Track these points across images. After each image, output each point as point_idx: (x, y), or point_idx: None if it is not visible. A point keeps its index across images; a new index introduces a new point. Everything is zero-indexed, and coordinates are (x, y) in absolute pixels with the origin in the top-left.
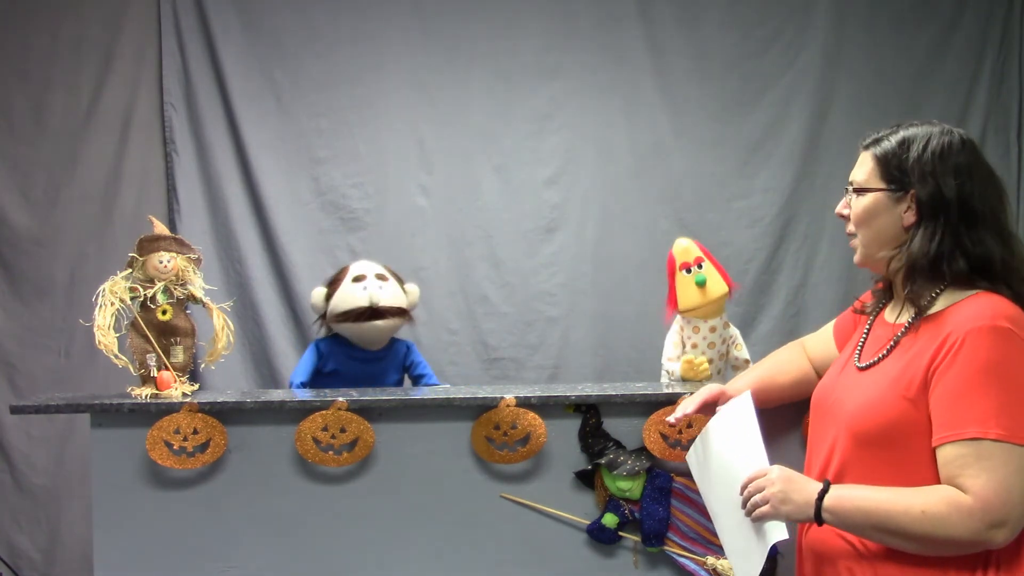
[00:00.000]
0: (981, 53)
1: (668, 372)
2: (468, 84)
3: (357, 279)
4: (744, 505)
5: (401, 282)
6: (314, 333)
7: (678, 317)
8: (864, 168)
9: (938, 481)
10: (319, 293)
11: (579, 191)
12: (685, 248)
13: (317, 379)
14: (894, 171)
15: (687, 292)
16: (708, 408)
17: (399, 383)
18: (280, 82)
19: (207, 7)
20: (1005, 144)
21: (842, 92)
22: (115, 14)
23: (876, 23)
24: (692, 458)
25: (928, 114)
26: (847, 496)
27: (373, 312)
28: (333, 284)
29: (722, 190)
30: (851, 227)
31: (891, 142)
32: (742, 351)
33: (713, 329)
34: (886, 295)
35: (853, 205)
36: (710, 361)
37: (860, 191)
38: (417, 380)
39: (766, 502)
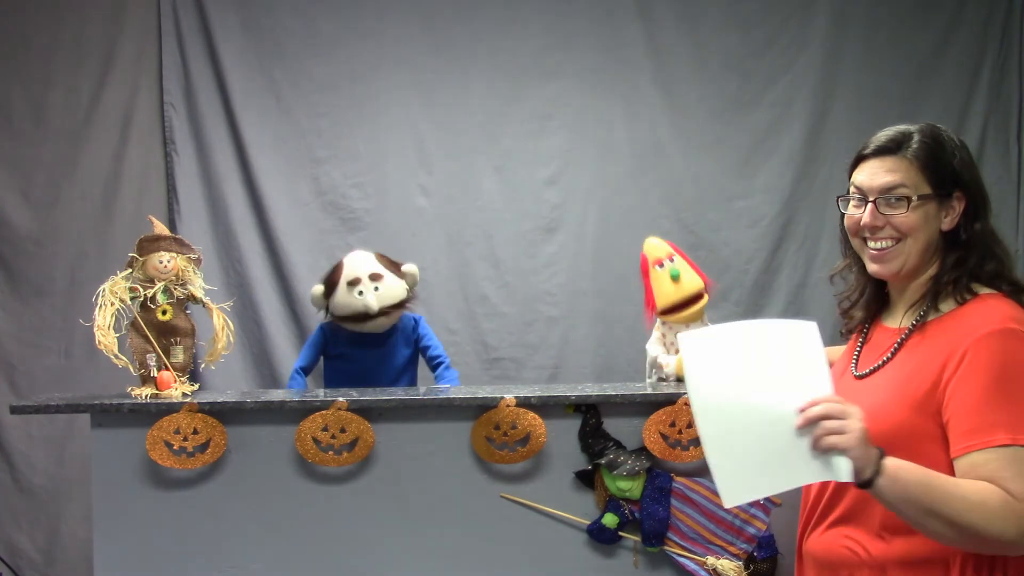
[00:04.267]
0: (981, 53)
1: (659, 366)
2: (468, 84)
3: (352, 283)
4: (809, 422)
5: (397, 267)
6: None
7: (658, 323)
8: (903, 175)
9: None
10: (318, 290)
11: (579, 191)
12: (655, 245)
13: (326, 361)
14: (941, 174)
15: (663, 288)
16: None
17: (411, 358)
18: (280, 82)
19: (207, 7)
20: (1005, 144)
21: (842, 92)
22: (115, 14)
23: (876, 23)
24: (694, 343)
25: (928, 114)
26: (909, 467)
27: (370, 315)
28: (330, 282)
29: (722, 190)
30: (892, 235)
31: (923, 143)
32: None
33: None
34: (876, 305)
35: (898, 215)
36: None
37: (908, 200)
38: (424, 352)
39: (844, 431)
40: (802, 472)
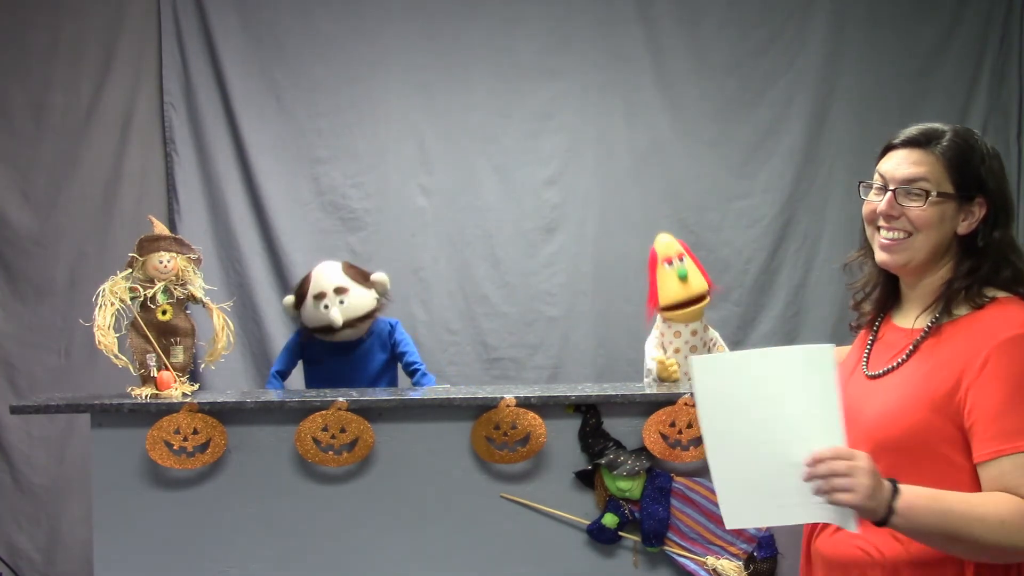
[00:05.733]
0: (981, 53)
1: (649, 371)
2: (468, 84)
3: (317, 298)
4: (814, 479)
5: (366, 277)
6: None
7: (658, 321)
8: (927, 168)
9: (965, 489)
10: (289, 301)
11: (579, 191)
12: (667, 243)
13: (304, 365)
14: (966, 176)
15: (669, 286)
16: None
17: (388, 363)
18: (280, 82)
19: (207, 7)
20: (1005, 144)
21: (842, 92)
22: (115, 14)
23: (876, 23)
24: (705, 366)
25: (928, 114)
26: (923, 501)
27: (336, 329)
28: (299, 294)
29: (722, 190)
30: (905, 227)
31: (953, 143)
32: (725, 352)
33: (694, 333)
34: (887, 302)
35: (914, 208)
36: None
37: (926, 194)
38: (401, 358)
39: (851, 490)
40: (806, 512)
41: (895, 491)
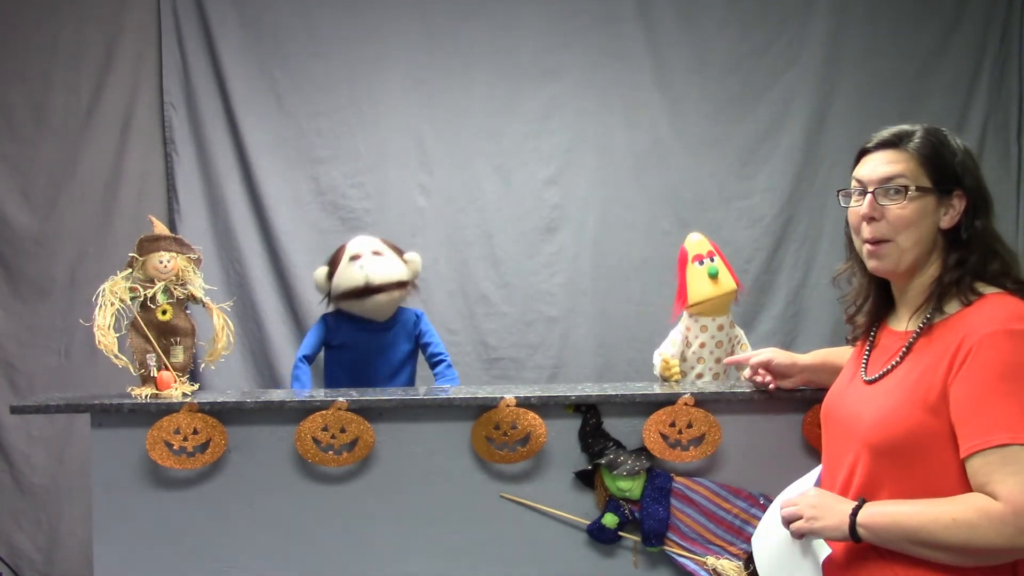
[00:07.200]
0: (981, 53)
1: (654, 366)
2: (468, 84)
3: (353, 258)
4: (786, 526)
5: (400, 254)
6: None
7: (684, 316)
8: (903, 166)
9: (967, 491)
10: (321, 272)
11: (579, 191)
12: (698, 241)
13: (327, 352)
14: (942, 171)
15: (699, 283)
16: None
17: (411, 353)
18: (280, 82)
19: (207, 7)
20: (1005, 144)
21: (842, 92)
22: (115, 14)
23: (876, 23)
24: (756, 544)
25: (928, 114)
26: (880, 512)
27: (370, 289)
28: (333, 263)
29: (722, 190)
30: (884, 230)
31: (925, 139)
32: (748, 351)
33: (721, 327)
34: (881, 310)
35: (894, 207)
36: (717, 360)
37: (906, 190)
38: (425, 348)
39: (799, 517)
40: (810, 563)
41: (859, 505)
